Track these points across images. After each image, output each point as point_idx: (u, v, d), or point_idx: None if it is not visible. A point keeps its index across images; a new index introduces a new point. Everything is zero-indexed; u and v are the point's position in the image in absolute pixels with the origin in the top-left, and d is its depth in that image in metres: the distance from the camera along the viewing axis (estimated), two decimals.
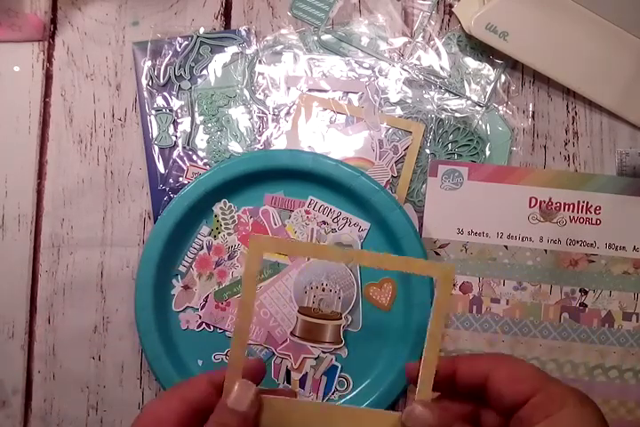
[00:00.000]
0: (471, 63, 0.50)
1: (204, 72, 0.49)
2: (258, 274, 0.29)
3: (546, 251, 0.48)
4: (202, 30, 0.49)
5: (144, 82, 0.49)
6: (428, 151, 0.49)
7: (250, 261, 0.28)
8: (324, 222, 0.47)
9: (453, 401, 0.32)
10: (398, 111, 0.49)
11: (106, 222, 0.49)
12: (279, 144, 0.49)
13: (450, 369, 0.31)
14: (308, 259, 0.47)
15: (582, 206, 0.48)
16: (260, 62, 0.50)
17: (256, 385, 0.30)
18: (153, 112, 0.49)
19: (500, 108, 0.49)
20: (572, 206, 0.48)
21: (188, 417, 0.29)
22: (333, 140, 0.49)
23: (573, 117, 0.50)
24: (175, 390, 0.30)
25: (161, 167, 0.49)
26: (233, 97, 0.49)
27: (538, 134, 0.50)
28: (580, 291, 0.48)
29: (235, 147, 0.49)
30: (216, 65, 0.49)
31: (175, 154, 0.49)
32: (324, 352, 0.47)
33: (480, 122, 0.49)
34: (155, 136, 0.49)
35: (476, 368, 0.31)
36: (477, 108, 0.49)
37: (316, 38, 0.50)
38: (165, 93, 0.49)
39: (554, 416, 0.28)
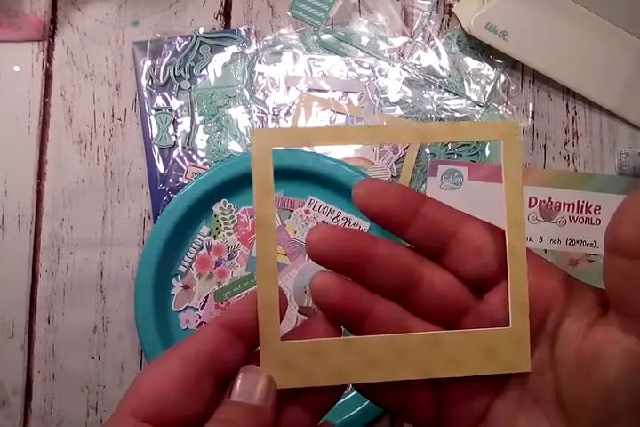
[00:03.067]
0: (471, 63, 0.50)
1: (204, 72, 0.49)
2: (273, 182, 0.21)
3: (545, 251, 0.48)
4: (202, 30, 0.49)
5: (144, 82, 0.49)
6: (427, 151, 0.49)
7: (258, 164, 0.21)
8: (324, 222, 0.47)
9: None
10: (398, 111, 0.49)
11: (106, 222, 0.49)
12: None
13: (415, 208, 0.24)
14: (308, 259, 0.47)
15: (582, 206, 0.48)
16: (259, 62, 0.50)
17: (281, 316, 0.23)
18: (153, 112, 0.49)
19: (500, 107, 0.49)
20: (571, 206, 0.48)
21: (197, 379, 0.21)
22: None
23: (573, 117, 0.50)
24: (175, 348, 0.22)
25: (161, 167, 0.49)
26: (233, 97, 0.49)
27: (538, 134, 0.50)
28: None
29: (235, 147, 0.49)
30: (216, 65, 0.49)
31: (175, 154, 0.49)
32: None
33: None
34: (154, 136, 0.49)
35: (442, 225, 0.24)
36: (477, 107, 0.49)
37: (315, 38, 0.50)
38: (165, 93, 0.49)
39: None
